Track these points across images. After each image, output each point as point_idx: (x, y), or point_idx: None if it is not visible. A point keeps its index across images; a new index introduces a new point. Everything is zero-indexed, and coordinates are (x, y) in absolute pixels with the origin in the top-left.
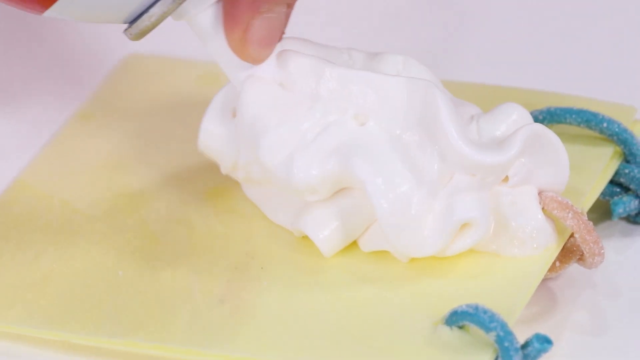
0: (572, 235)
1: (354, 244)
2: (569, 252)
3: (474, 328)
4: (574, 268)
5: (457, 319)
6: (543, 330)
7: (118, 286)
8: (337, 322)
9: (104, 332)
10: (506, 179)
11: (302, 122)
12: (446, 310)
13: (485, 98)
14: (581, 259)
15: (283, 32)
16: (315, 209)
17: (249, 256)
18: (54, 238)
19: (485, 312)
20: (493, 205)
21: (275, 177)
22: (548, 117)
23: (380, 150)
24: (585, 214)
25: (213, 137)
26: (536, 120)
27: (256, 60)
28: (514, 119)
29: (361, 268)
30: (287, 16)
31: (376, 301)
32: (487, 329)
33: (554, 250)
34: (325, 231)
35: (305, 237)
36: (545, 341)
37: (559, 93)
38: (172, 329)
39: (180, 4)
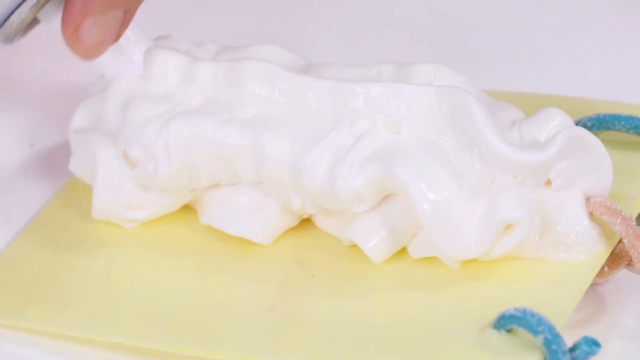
0: (620, 241)
1: (403, 250)
2: (618, 258)
3: (522, 331)
4: (622, 273)
5: (505, 322)
6: (591, 334)
7: (169, 291)
8: (386, 328)
9: (155, 336)
10: (549, 182)
11: (331, 138)
12: (494, 315)
13: (529, 107)
14: (630, 264)
15: (117, 35)
16: (362, 218)
17: (299, 264)
18: (105, 242)
19: (532, 315)
20: (537, 208)
21: (321, 196)
22: (597, 123)
23: (418, 154)
24: (634, 219)
25: None
26: (585, 127)
27: (87, 57)
28: (556, 123)
29: (410, 274)
30: (124, 21)
31: (424, 306)
32: (535, 332)
33: (602, 256)
34: (374, 239)
35: (354, 245)
36: (593, 344)
37: (605, 100)
38: (222, 335)
39: (39, 9)
